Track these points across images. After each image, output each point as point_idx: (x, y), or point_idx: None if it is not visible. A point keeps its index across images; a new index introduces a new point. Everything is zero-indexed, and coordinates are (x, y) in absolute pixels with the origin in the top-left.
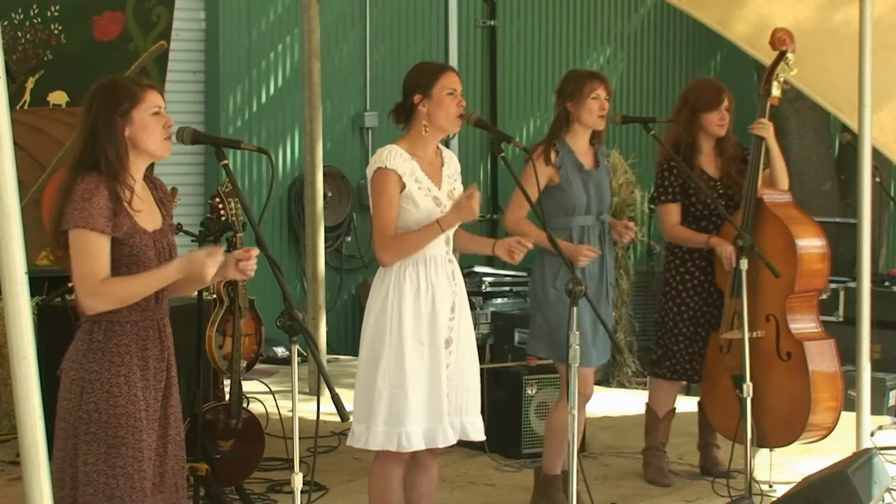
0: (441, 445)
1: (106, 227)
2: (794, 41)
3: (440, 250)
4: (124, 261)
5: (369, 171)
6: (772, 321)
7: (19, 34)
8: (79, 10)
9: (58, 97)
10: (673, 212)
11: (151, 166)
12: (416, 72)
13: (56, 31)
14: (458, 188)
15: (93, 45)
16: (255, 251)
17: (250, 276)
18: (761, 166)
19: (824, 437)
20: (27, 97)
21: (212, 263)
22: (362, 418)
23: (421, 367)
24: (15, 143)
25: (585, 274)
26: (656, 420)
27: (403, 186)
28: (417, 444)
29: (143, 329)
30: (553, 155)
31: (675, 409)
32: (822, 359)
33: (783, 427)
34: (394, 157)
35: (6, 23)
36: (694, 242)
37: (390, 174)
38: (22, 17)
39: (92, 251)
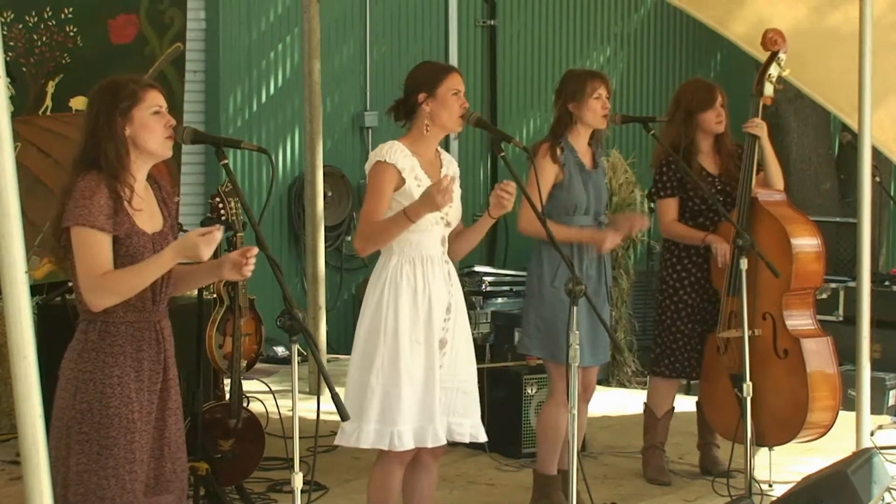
0: (430, 445)
1: (106, 224)
2: (786, 42)
3: (437, 251)
4: (120, 261)
5: (368, 164)
6: (769, 319)
7: (35, 37)
8: (92, 13)
9: (80, 102)
10: (671, 207)
11: (178, 163)
12: (421, 70)
13: (72, 34)
14: (457, 191)
15: (110, 49)
16: (254, 251)
17: (248, 276)
18: (755, 165)
19: (821, 435)
20: (48, 102)
21: (205, 243)
22: (353, 416)
23: (416, 367)
24: (41, 150)
25: (584, 274)
26: (654, 420)
27: (402, 182)
28: (408, 444)
29: (139, 330)
30: (558, 152)
31: (673, 408)
32: (819, 356)
33: (781, 425)
34: (395, 152)
35: (21, 25)
36: (690, 239)
37: (389, 168)
38: (36, 19)
39: (94, 248)
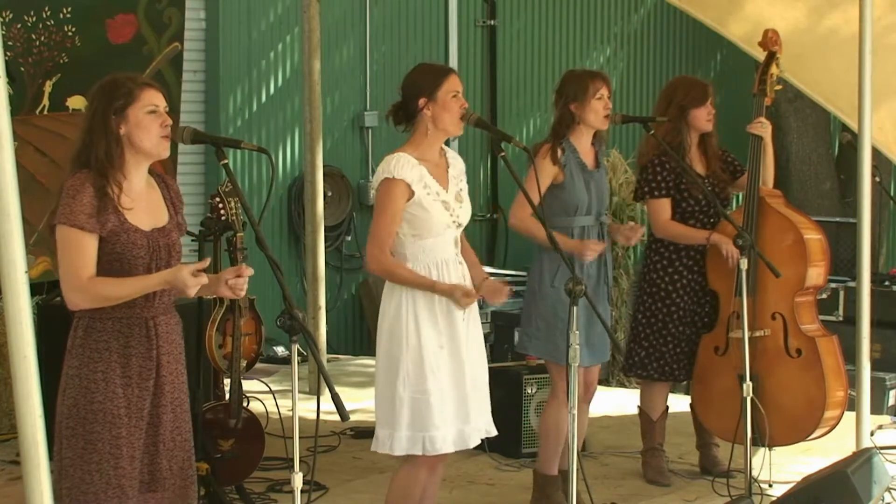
0: (471, 446)
1: (87, 223)
2: (781, 42)
3: (450, 253)
4: (107, 258)
5: (376, 179)
6: (778, 319)
7: (33, 37)
8: (91, 13)
9: (77, 102)
10: (665, 207)
11: (174, 162)
12: (419, 74)
13: (70, 34)
14: (465, 188)
15: (108, 49)
16: (248, 271)
17: (240, 295)
18: (761, 165)
19: (832, 429)
20: (46, 101)
21: (194, 283)
22: (385, 423)
23: (442, 371)
24: (38, 150)
25: (584, 274)
26: (651, 423)
27: (412, 195)
28: (445, 448)
29: (127, 326)
30: (559, 153)
31: (668, 407)
32: (830, 354)
33: (795, 424)
34: (402, 166)
35: (19, 25)
36: (692, 239)
37: (398, 185)
38: (35, 19)
39: (76, 248)
